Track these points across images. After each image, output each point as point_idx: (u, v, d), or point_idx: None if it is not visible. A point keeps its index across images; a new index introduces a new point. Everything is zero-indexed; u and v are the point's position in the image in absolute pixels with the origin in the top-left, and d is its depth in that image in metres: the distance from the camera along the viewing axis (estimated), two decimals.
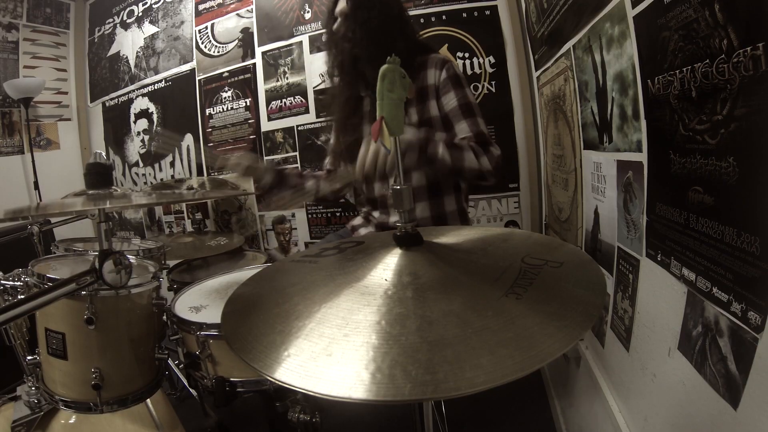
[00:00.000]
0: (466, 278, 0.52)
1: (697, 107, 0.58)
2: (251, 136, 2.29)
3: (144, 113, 2.65)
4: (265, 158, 2.26)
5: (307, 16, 2.10)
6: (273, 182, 1.36)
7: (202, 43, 2.41)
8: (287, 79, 2.17)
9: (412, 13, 1.88)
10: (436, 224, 1.24)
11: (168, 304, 1.08)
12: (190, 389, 1.65)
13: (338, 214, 2.15)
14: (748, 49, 0.46)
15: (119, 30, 2.73)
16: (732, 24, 0.49)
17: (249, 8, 2.26)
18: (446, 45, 1.87)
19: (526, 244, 0.65)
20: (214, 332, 0.94)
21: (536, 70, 1.65)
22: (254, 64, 2.25)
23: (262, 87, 2.24)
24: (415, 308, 0.46)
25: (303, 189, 1.39)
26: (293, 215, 2.25)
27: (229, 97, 2.34)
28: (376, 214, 1.35)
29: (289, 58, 2.16)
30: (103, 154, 1.08)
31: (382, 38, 1.16)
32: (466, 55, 1.87)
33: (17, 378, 1.08)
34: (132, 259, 1.22)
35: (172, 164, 2.57)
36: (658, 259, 0.74)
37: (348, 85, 1.32)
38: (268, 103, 2.23)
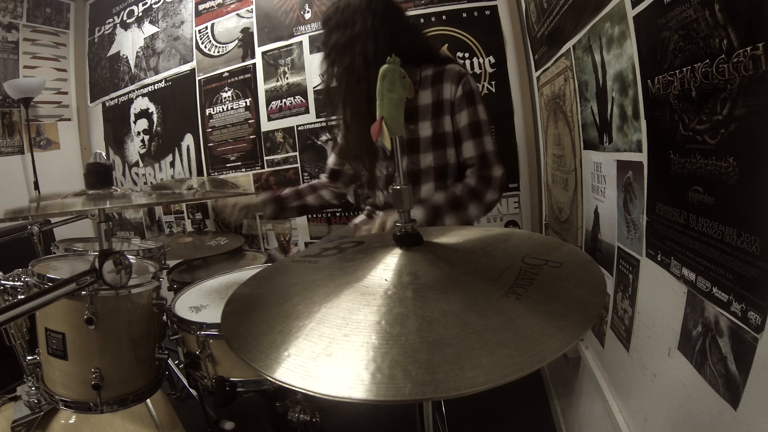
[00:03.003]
0: (466, 278, 0.52)
1: (697, 107, 0.58)
2: (251, 136, 2.29)
3: (144, 113, 2.65)
4: (265, 158, 2.26)
5: (307, 16, 2.10)
6: (273, 213, 1.40)
7: (202, 43, 2.41)
8: (287, 79, 2.17)
9: (412, 13, 1.87)
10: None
11: (168, 304, 1.08)
12: (190, 389, 1.65)
13: (338, 213, 2.15)
14: (748, 49, 0.46)
15: (119, 30, 2.73)
16: (732, 24, 0.49)
17: (249, 8, 2.26)
18: (446, 45, 1.87)
19: (526, 244, 0.65)
20: (214, 332, 0.94)
21: (536, 70, 1.65)
22: (254, 64, 2.25)
23: (262, 87, 2.23)
24: (415, 308, 0.46)
25: (306, 208, 1.46)
26: None
27: (229, 97, 2.34)
28: (379, 214, 1.36)
29: (289, 58, 2.16)
30: (103, 154, 1.08)
31: (352, 55, 1.14)
32: (466, 55, 1.87)
33: (17, 378, 1.09)
34: (132, 259, 1.22)
35: (172, 164, 2.57)
36: (658, 259, 0.74)
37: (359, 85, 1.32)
38: (268, 103, 2.23)
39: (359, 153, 1.27)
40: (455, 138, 1.22)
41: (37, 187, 2.52)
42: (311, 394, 0.38)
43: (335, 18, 1.18)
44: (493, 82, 1.86)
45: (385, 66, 0.59)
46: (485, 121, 1.20)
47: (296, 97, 2.16)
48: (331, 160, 1.50)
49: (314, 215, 2.19)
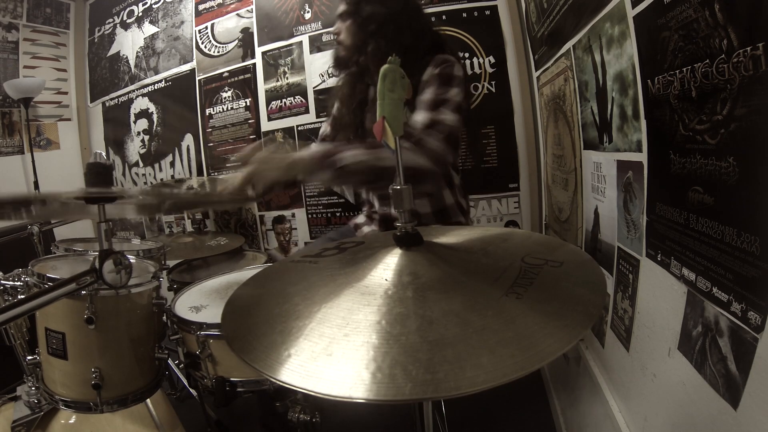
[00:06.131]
0: (466, 278, 0.52)
1: (697, 107, 0.58)
2: (251, 136, 2.29)
3: (144, 113, 2.65)
4: None
5: (307, 16, 2.10)
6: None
7: (202, 43, 2.41)
8: (287, 79, 2.17)
9: None
10: (438, 219, 1.24)
11: (168, 304, 1.08)
12: (190, 389, 1.65)
13: (338, 213, 2.15)
14: (748, 49, 0.46)
15: (119, 30, 2.73)
16: (732, 24, 0.49)
17: (249, 8, 2.26)
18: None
19: (526, 244, 0.65)
20: (214, 332, 0.94)
21: (536, 70, 1.65)
22: (254, 64, 2.25)
23: (262, 87, 2.23)
24: (416, 308, 0.46)
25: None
26: (293, 215, 2.25)
27: (229, 97, 2.34)
28: (377, 206, 1.35)
29: (289, 58, 2.16)
30: (103, 154, 1.09)
31: (387, 32, 1.14)
32: (466, 55, 1.87)
33: (17, 378, 1.09)
34: (132, 259, 1.22)
35: (172, 164, 2.57)
36: (658, 259, 0.74)
37: (354, 74, 1.31)
38: (268, 103, 2.23)
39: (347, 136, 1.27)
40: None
41: (37, 187, 2.52)
42: (312, 394, 0.38)
43: None
44: (493, 82, 1.86)
45: (385, 66, 0.59)
46: (453, 101, 1.07)
47: (296, 97, 2.16)
48: (325, 129, 1.46)
49: (314, 216, 2.20)
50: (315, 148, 1.01)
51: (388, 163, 0.94)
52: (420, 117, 1.06)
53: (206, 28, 2.39)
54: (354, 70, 1.29)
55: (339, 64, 1.29)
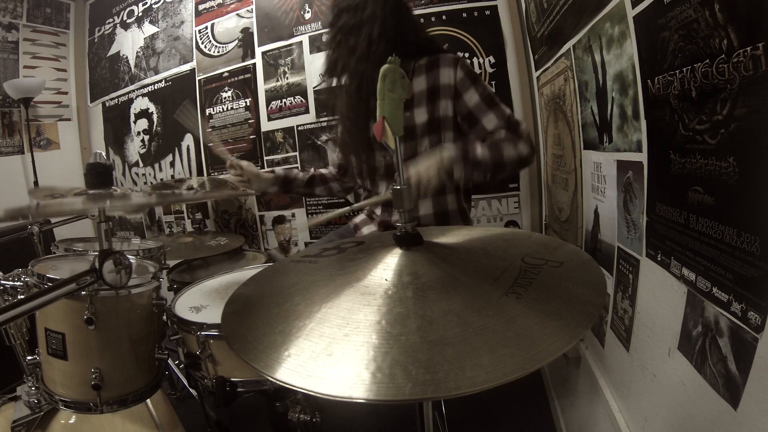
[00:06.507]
0: (466, 278, 0.52)
1: (697, 107, 0.58)
2: (251, 136, 2.29)
3: (144, 113, 2.65)
4: (265, 158, 2.26)
5: (307, 16, 2.10)
6: (279, 191, 1.53)
7: (202, 43, 2.41)
8: (287, 79, 2.17)
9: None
10: (438, 222, 1.24)
11: (168, 304, 1.08)
12: (190, 389, 1.65)
13: None
14: (748, 49, 0.46)
15: (119, 30, 2.73)
16: (732, 24, 0.49)
17: (249, 8, 2.26)
18: (446, 45, 1.87)
19: (526, 244, 0.65)
20: (214, 332, 0.94)
21: (536, 70, 1.65)
22: (254, 64, 2.25)
23: (262, 87, 2.23)
24: (416, 308, 0.46)
25: (312, 195, 1.57)
26: (293, 215, 2.25)
27: (229, 97, 2.34)
28: (378, 212, 1.36)
29: (289, 58, 2.16)
30: (103, 154, 1.08)
31: (378, 54, 1.15)
32: (466, 55, 1.87)
33: (17, 378, 1.08)
34: (132, 259, 1.22)
35: (172, 164, 2.57)
36: (658, 259, 0.74)
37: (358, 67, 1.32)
38: (268, 103, 2.23)
39: (355, 143, 1.29)
40: (466, 119, 1.18)
41: (37, 187, 2.52)
42: (312, 394, 0.38)
43: (347, 1, 1.20)
44: (493, 82, 1.86)
45: (385, 66, 0.59)
46: (493, 92, 1.19)
47: (296, 97, 2.16)
48: (337, 154, 1.51)
49: (314, 215, 2.20)
50: (452, 146, 1.09)
51: (506, 158, 1.09)
52: (492, 118, 1.15)
53: (206, 28, 2.39)
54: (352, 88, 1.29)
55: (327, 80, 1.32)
